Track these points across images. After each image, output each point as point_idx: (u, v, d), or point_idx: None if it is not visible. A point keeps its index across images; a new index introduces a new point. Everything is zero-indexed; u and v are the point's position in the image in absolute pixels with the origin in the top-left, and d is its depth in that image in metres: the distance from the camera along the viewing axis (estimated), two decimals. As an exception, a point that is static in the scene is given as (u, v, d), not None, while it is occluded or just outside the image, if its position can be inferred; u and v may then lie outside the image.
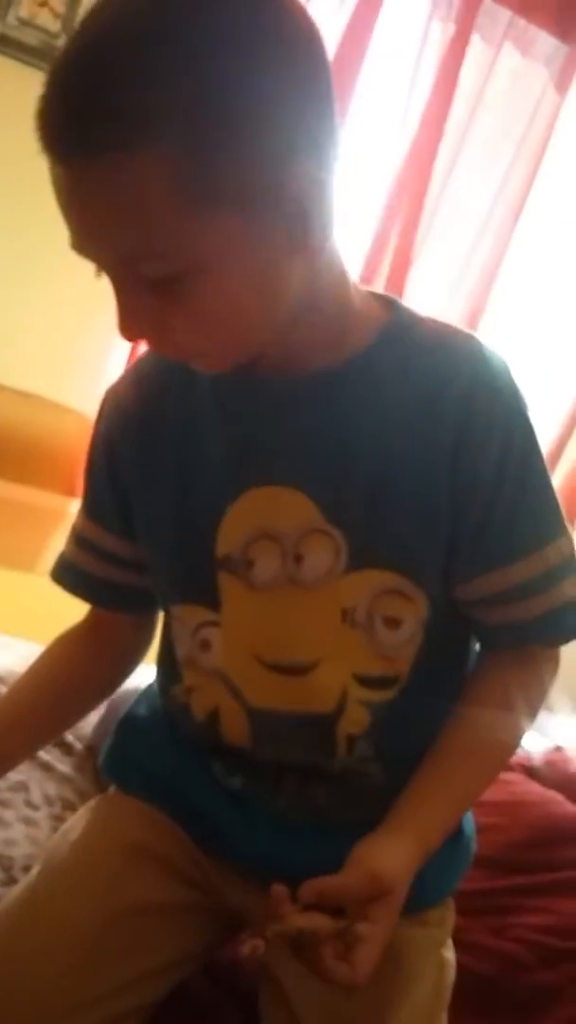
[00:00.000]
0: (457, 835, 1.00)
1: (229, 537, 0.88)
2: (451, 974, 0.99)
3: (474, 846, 1.05)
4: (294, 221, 0.73)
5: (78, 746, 1.40)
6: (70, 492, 2.45)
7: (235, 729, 0.93)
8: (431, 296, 2.72)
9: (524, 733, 0.93)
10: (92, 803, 1.05)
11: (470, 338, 0.86)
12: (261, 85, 0.69)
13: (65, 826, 1.03)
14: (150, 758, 1.02)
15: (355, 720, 0.90)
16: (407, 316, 0.87)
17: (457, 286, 2.73)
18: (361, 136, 2.56)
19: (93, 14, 0.69)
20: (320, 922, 0.75)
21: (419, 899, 0.96)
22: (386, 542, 0.85)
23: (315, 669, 0.89)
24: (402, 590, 0.86)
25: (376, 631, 0.87)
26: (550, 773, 1.74)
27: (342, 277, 0.83)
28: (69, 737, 1.40)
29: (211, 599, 0.90)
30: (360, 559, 0.85)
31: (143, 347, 2.77)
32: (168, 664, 1.00)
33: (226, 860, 0.97)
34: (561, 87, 2.68)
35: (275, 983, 0.96)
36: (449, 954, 0.99)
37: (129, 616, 1.04)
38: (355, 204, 2.61)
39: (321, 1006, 0.91)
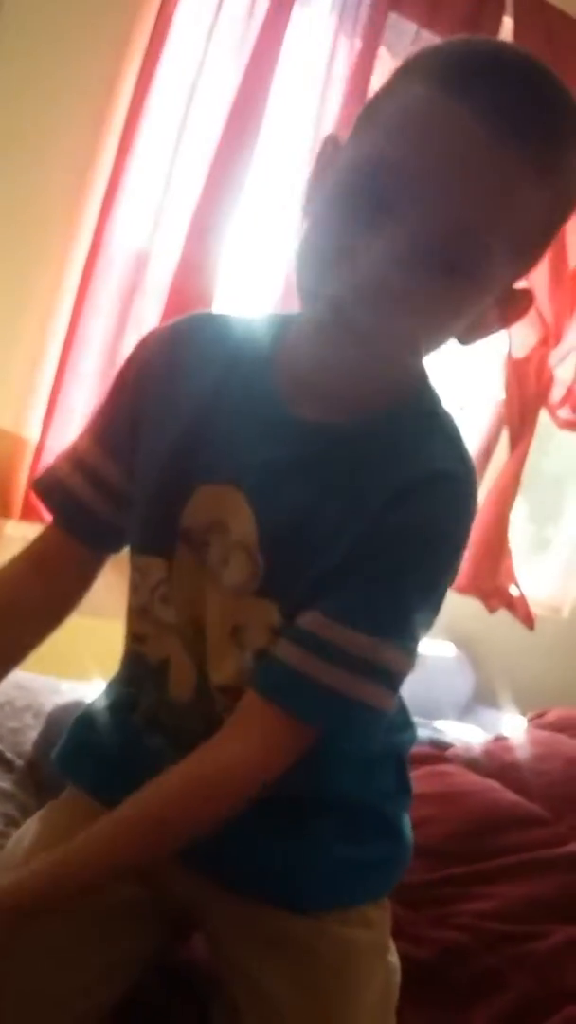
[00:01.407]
0: (396, 835, 1.04)
1: (193, 513, 0.91)
2: (397, 979, 1.02)
3: (411, 845, 1.06)
4: (486, 305, 0.83)
5: (18, 763, 1.40)
6: (2, 512, 2.45)
7: (182, 681, 0.95)
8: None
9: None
10: (43, 810, 1.06)
11: (460, 456, 0.89)
12: None
13: (18, 833, 1.05)
14: (95, 742, 1.05)
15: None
16: (425, 400, 0.90)
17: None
18: (275, 153, 2.59)
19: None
20: None
21: (355, 893, 1.00)
22: (296, 590, 0.87)
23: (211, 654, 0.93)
24: (280, 628, 0.89)
25: (246, 656, 0.90)
26: (488, 763, 1.78)
27: (424, 375, 0.90)
28: (9, 754, 1.40)
29: (170, 559, 0.94)
30: (266, 592, 0.88)
31: (74, 364, 2.71)
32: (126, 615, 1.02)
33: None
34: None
35: (225, 989, 0.98)
36: (394, 959, 1.02)
37: (89, 551, 1.02)
38: (272, 223, 2.65)
39: (268, 1013, 0.94)
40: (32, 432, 2.48)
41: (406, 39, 2.65)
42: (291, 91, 2.58)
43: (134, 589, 0.98)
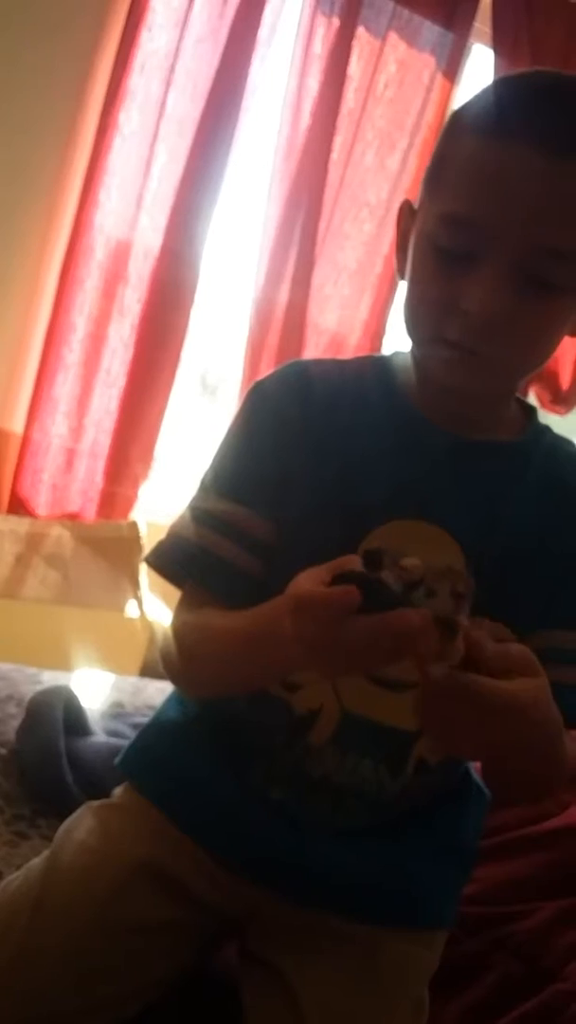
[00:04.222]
0: (471, 866, 1.08)
1: None
2: (425, 1016, 1.02)
3: None
4: None
5: (2, 751, 1.40)
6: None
7: (325, 728, 0.96)
8: (338, 289, 2.75)
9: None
10: (97, 806, 1.05)
11: None
12: None
13: (68, 823, 1.03)
14: (180, 763, 1.03)
15: (431, 746, 0.96)
16: (538, 418, 1.00)
17: (364, 277, 2.77)
18: (257, 134, 2.58)
19: None
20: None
21: (445, 917, 1.04)
22: (506, 597, 0.91)
23: (412, 689, 0.90)
24: (506, 639, 0.91)
25: None
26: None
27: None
28: (-9, 743, 1.41)
29: None
30: (480, 608, 0.90)
31: (58, 355, 2.70)
32: None
33: (242, 865, 0.99)
34: (449, 74, 2.73)
35: (276, 977, 0.96)
36: (426, 994, 1.02)
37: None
38: (256, 204, 2.64)
39: (325, 1002, 0.94)
40: (16, 425, 2.47)
41: (384, 17, 2.63)
42: (270, 72, 2.57)
43: None
